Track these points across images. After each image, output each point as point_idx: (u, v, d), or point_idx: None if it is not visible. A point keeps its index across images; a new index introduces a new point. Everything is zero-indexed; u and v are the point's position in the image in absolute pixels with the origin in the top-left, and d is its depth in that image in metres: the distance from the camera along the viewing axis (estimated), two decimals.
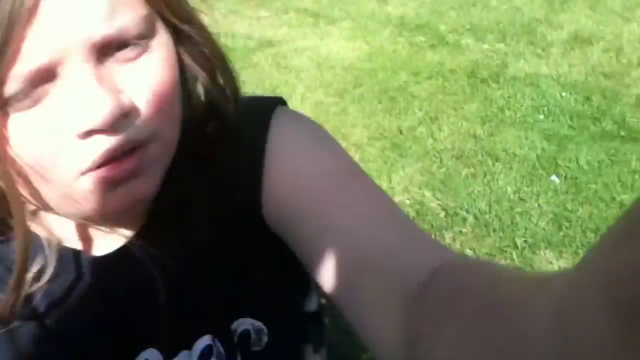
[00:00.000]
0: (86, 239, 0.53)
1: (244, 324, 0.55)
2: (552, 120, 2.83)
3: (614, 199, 2.32)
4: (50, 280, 0.49)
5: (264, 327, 0.56)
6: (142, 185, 0.46)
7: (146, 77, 0.45)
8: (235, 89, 0.54)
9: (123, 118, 0.43)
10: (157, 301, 0.52)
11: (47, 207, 0.48)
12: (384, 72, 3.37)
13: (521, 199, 2.37)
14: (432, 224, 2.28)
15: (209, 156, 0.54)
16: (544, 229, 2.21)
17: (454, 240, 2.21)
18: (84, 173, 0.43)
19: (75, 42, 0.41)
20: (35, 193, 0.46)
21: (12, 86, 0.40)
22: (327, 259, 0.48)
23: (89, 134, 0.42)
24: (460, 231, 2.25)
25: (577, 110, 2.87)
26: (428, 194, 2.44)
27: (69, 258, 0.52)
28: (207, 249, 0.54)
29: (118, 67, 0.43)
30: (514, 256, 2.12)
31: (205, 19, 0.51)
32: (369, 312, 0.45)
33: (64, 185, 0.44)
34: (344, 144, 3.11)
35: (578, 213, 2.27)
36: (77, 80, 0.41)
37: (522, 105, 2.95)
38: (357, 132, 2.86)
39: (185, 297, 0.54)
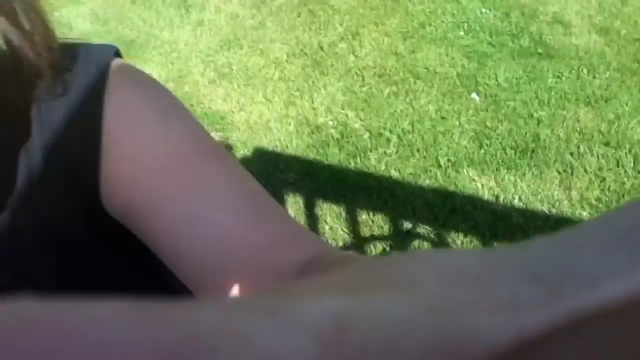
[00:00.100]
0: None
1: None
2: (472, 37, 2.80)
3: (531, 115, 2.36)
4: None
5: None
6: None
7: None
8: (49, 35, 0.44)
9: None
10: None
11: None
12: None
13: (443, 118, 2.37)
14: (356, 146, 2.24)
15: (24, 120, 0.44)
16: (465, 147, 2.23)
17: (379, 161, 2.19)
18: None
19: None
20: None
21: None
22: (185, 259, 0.42)
23: None
24: (385, 152, 2.22)
25: (497, 27, 2.86)
26: (351, 114, 2.38)
27: None
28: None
29: None
30: (438, 176, 2.13)
31: None
32: None
33: None
34: (263, 61, 2.91)
35: (498, 130, 2.30)
36: None
37: (442, 22, 2.90)
38: (276, 48, 2.72)
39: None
